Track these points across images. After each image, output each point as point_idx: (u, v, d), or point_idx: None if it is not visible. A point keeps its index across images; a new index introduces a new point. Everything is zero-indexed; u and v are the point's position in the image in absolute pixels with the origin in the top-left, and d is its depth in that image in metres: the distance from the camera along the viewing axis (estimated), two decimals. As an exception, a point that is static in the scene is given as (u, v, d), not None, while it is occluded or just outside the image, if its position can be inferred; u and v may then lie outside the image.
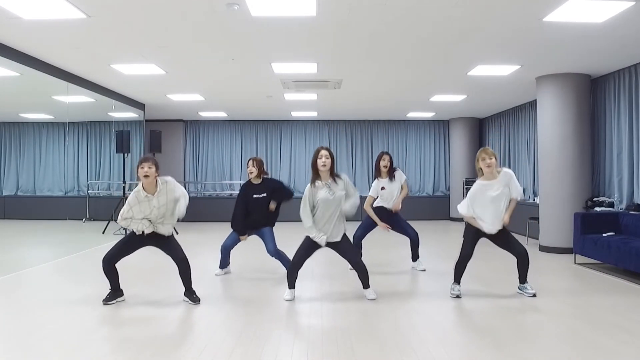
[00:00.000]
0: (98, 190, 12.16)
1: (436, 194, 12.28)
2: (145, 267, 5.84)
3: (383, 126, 12.26)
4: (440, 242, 8.57)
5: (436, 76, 7.24)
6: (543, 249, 7.07)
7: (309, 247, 4.36)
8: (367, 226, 5.65)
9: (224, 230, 5.61)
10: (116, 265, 4.26)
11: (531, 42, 5.42)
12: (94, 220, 11.08)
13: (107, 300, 4.21)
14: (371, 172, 11.93)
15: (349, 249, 4.42)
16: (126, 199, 4.25)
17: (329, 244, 4.35)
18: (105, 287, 4.32)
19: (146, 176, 4.01)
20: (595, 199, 6.80)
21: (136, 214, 4.10)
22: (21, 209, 11.92)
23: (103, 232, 8.89)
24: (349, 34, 5.18)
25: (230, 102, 9.68)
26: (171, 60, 6.32)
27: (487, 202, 4.32)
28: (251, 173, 5.23)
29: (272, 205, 5.19)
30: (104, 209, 10.60)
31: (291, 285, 4.45)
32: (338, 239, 4.34)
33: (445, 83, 7.75)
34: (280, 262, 5.25)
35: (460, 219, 11.54)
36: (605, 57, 6.05)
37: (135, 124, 10.54)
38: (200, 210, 11.76)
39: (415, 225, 5.82)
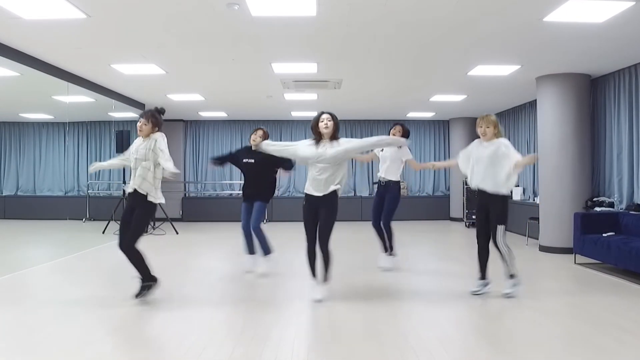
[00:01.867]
0: (98, 190, 12.16)
1: (436, 194, 12.28)
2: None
3: (383, 126, 12.24)
4: (439, 242, 8.57)
5: (436, 76, 7.24)
6: (543, 249, 7.07)
7: (307, 217, 4.28)
8: (376, 206, 5.65)
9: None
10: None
11: (531, 42, 5.42)
12: (94, 220, 11.09)
13: (141, 294, 4.11)
14: (371, 172, 11.95)
15: (324, 222, 4.21)
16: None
17: (313, 198, 4.23)
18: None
19: (140, 131, 4.18)
20: (595, 199, 6.80)
21: (132, 153, 4.23)
22: (21, 209, 11.92)
23: (103, 232, 8.89)
24: (349, 34, 5.18)
25: (230, 102, 9.68)
26: (171, 60, 6.32)
27: (481, 157, 4.39)
28: (254, 141, 5.17)
29: (284, 173, 5.29)
30: (104, 209, 10.62)
31: (313, 272, 4.35)
32: (320, 193, 4.19)
33: (445, 83, 7.74)
34: (258, 240, 5.27)
35: (460, 219, 11.57)
36: (605, 57, 6.05)
37: (135, 123, 10.48)
38: (200, 210, 11.78)
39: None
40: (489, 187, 4.34)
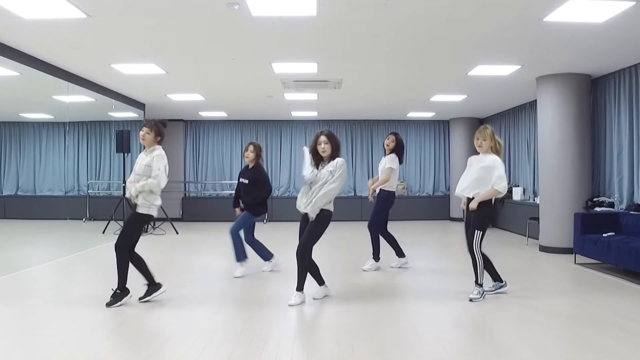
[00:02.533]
0: (98, 190, 12.16)
1: (436, 194, 12.28)
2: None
3: (383, 126, 12.24)
4: (439, 242, 8.57)
5: (436, 76, 7.23)
6: (543, 249, 7.06)
7: (300, 229, 4.32)
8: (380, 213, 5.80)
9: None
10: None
11: (531, 42, 5.42)
12: (94, 220, 11.08)
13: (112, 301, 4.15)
14: (371, 172, 11.97)
15: (307, 232, 4.19)
16: (126, 198, 4.32)
17: (303, 215, 4.29)
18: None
19: (142, 138, 4.19)
20: (595, 199, 6.80)
21: (134, 171, 4.23)
22: (21, 209, 11.91)
23: (103, 232, 8.89)
24: (349, 34, 5.18)
25: (230, 102, 9.68)
26: (171, 60, 6.32)
27: (470, 169, 4.41)
28: (247, 157, 5.46)
29: (238, 212, 5.46)
30: (104, 208, 10.60)
31: (319, 282, 4.41)
32: (306, 208, 4.21)
33: (445, 83, 7.74)
34: (232, 243, 5.35)
35: (460, 219, 11.56)
36: (605, 57, 6.05)
37: (135, 123, 10.53)
38: (200, 210, 11.78)
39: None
40: (465, 193, 4.43)
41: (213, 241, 8.46)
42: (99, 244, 7.63)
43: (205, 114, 11.25)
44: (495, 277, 4.54)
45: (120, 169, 10.34)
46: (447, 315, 3.96)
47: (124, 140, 9.17)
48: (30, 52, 5.89)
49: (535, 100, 7.76)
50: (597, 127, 7.11)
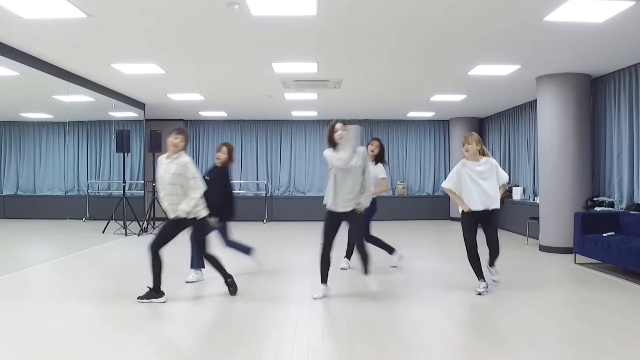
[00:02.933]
0: (98, 189, 12.16)
1: (436, 194, 12.27)
2: (145, 266, 5.82)
3: (383, 126, 12.26)
4: (439, 242, 8.56)
5: (436, 76, 7.24)
6: (543, 248, 7.07)
7: (329, 222, 4.33)
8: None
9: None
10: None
11: (531, 42, 5.42)
12: (94, 219, 11.09)
13: (142, 297, 4.24)
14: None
15: (357, 224, 4.37)
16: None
17: (342, 214, 4.30)
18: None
19: (175, 146, 4.22)
20: (595, 199, 6.80)
21: (159, 178, 4.26)
22: (21, 209, 11.92)
23: (103, 232, 8.88)
24: (349, 34, 5.18)
25: (230, 102, 9.68)
26: (171, 60, 6.32)
27: (473, 177, 4.47)
28: (218, 159, 5.18)
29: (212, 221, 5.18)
30: (104, 208, 10.60)
31: (323, 278, 4.42)
32: (347, 208, 4.27)
33: (445, 83, 7.75)
34: (234, 249, 5.34)
35: (460, 219, 11.55)
36: (605, 57, 6.05)
37: (135, 123, 10.53)
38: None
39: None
40: (487, 204, 4.46)
41: (212, 240, 8.46)
42: (99, 243, 7.62)
43: (205, 114, 11.25)
44: (479, 273, 4.60)
45: (120, 168, 10.34)
46: (447, 315, 3.95)
47: (124, 140, 9.16)
48: (30, 52, 5.89)
49: (535, 100, 7.76)
50: (597, 127, 7.11)
